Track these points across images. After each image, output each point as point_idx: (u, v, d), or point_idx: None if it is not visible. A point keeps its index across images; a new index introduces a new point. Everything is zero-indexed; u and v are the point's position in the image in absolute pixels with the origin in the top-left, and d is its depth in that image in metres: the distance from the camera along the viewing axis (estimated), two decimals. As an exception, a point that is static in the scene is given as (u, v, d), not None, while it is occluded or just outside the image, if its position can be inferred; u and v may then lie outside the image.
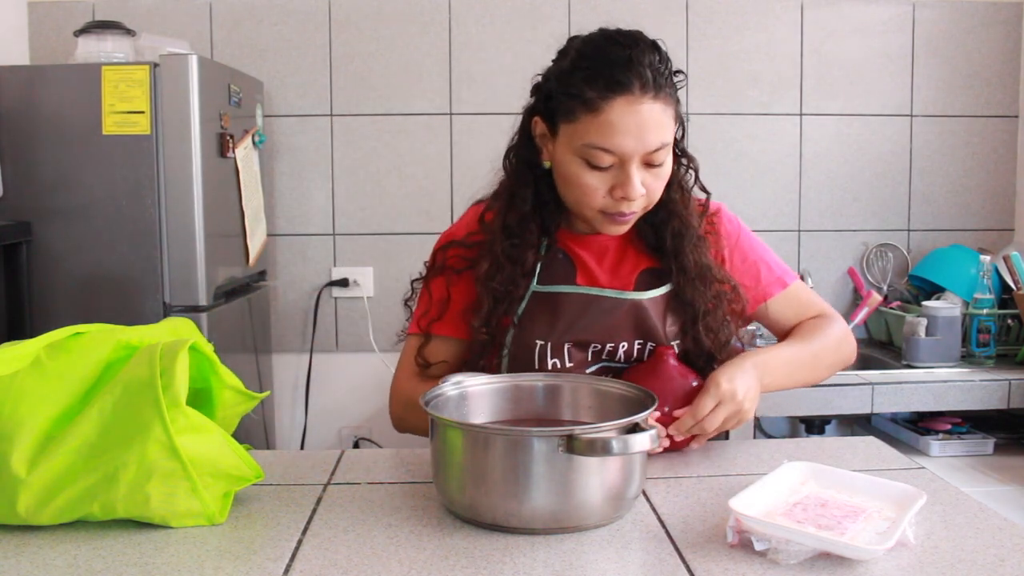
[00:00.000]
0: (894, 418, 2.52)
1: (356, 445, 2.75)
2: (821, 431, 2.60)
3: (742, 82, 2.76)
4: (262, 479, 1.05)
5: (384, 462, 1.23)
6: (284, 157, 2.72)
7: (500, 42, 2.71)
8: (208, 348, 1.02)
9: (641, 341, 1.30)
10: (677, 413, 1.20)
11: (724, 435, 1.32)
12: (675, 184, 1.30)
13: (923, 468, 1.19)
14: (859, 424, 2.69)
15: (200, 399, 1.05)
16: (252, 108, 2.48)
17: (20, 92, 2.08)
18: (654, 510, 1.03)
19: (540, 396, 1.17)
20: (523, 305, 1.30)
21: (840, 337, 1.39)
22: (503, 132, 1.36)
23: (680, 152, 1.30)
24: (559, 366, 1.28)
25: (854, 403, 2.29)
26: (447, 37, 2.71)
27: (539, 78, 1.28)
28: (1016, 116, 2.83)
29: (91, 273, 2.09)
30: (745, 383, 1.20)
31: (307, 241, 2.75)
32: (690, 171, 1.33)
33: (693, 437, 1.22)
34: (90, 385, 0.98)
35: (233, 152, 2.28)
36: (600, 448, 0.91)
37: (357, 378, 2.76)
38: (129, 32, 2.21)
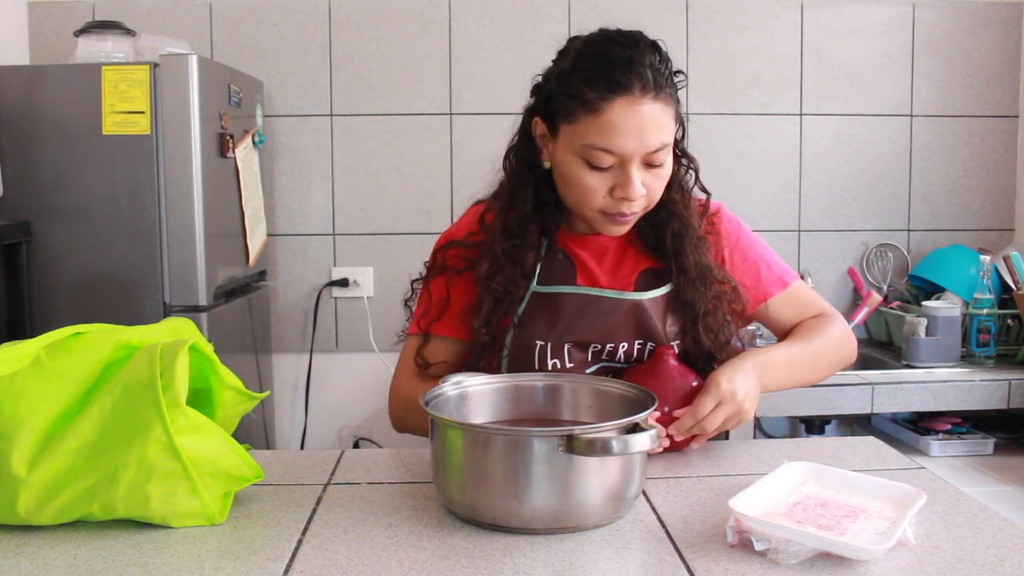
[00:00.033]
0: (894, 418, 2.52)
1: (356, 445, 2.75)
2: (821, 431, 2.60)
3: (742, 82, 2.76)
4: (262, 479, 1.05)
5: (384, 462, 1.23)
6: (284, 157, 2.72)
7: (500, 42, 2.71)
8: (208, 348, 1.02)
9: (641, 341, 1.30)
10: (677, 413, 1.20)
11: (724, 435, 1.32)
12: (675, 184, 1.30)
13: (923, 468, 1.19)
14: (859, 424, 2.69)
15: (200, 399, 1.05)
16: (252, 108, 2.48)
17: (20, 92, 2.08)
18: (654, 510, 1.03)
19: (540, 396, 1.17)
20: (523, 305, 1.30)
21: (841, 337, 1.39)
22: (503, 132, 1.36)
23: (680, 152, 1.30)
24: (559, 366, 1.28)
25: (854, 403, 2.29)
26: (447, 37, 2.71)
27: (539, 78, 1.28)
28: (1016, 116, 2.83)
29: (91, 273, 2.09)
30: (745, 383, 1.20)
31: (307, 241, 2.75)
32: (690, 171, 1.32)
33: (693, 437, 1.22)
34: (90, 385, 0.98)
35: (233, 152, 2.28)
36: (600, 448, 0.91)
37: (357, 378, 2.76)
38: (129, 32, 2.21)
